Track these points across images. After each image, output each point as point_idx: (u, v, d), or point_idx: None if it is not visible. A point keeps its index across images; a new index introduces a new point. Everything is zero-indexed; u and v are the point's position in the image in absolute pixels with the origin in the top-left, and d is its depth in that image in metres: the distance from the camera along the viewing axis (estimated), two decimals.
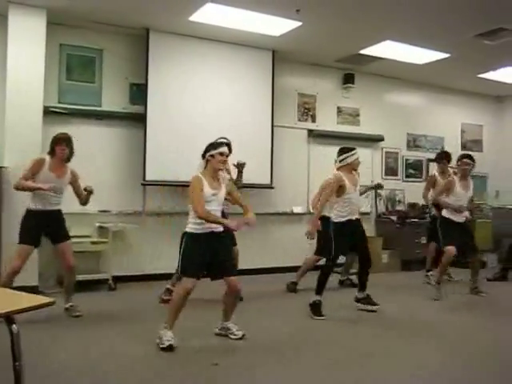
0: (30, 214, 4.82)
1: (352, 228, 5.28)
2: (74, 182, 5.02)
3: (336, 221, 5.28)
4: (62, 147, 4.81)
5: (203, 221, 4.04)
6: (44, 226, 4.83)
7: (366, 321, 5.12)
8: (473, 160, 6.19)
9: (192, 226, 4.15)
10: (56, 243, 4.96)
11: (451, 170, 7.23)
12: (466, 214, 6.24)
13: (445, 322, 5.12)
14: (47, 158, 4.84)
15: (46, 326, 4.50)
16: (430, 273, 7.07)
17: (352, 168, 5.31)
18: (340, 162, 5.31)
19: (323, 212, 5.35)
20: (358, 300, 5.51)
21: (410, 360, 3.93)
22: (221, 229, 4.17)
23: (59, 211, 4.98)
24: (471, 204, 6.47)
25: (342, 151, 5.36)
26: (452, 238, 6.02)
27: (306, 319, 5.07)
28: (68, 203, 6.12)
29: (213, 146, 4.24)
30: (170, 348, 3.93)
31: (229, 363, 3.75)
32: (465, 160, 6.17)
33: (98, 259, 6.57)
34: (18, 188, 4.74)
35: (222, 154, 4.16)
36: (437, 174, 7.29)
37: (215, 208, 4.13)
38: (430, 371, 3.68)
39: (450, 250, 5.96)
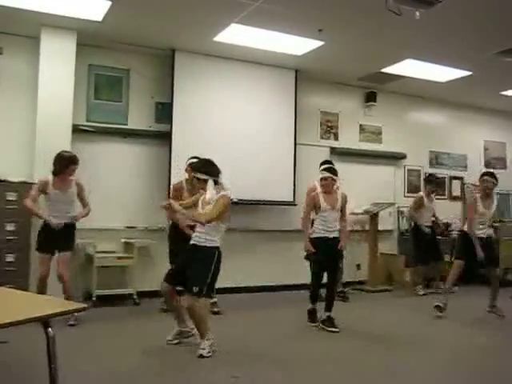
0: None
1: (326, 246, 5.27)
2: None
3: (312, 236, 5.33)
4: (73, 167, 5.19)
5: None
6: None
7: (375, 336, 5.17)
8: (494, 178, 5.98)
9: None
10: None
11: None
12: (490, 231, 6.12)
13: (454, 339, 5.11)
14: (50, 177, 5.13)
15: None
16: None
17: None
18: None
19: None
20: (321, 321, 5.36)
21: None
22: (203, 243, 4.34)
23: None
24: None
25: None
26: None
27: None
28: (94, 219, 6.25)
29: None
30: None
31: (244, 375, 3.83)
32: (485, 178, 5.99)
33: (123, 274, 6.66)
34: None
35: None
36: (424, 195, 7.65)
37: None
38: None
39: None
